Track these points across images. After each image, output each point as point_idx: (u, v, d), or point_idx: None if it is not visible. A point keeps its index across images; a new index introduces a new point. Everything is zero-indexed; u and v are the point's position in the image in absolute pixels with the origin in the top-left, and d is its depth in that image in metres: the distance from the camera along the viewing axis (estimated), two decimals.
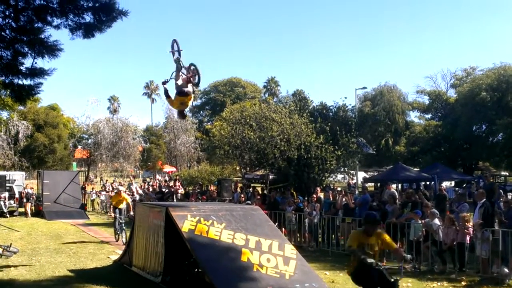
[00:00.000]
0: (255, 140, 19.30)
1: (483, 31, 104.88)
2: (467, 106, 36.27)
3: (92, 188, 31.34)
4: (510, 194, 15.39)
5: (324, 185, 19.80)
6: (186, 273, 9.37)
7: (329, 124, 20.04)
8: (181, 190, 22.87)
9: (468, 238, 10.26)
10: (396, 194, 15.94)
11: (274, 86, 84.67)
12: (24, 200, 24.15)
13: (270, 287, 7.48)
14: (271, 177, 23.16)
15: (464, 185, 28.82)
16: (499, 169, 41.10)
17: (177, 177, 31.66)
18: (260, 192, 19.75)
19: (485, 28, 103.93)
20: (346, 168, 22.13)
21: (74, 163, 53.02)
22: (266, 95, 79.79)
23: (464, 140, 37.90)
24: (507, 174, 38.90)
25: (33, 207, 23.93)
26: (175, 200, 20.63)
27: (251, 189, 20.17)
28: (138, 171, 50.24)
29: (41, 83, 9.48)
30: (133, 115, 70.47)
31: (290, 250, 8.54)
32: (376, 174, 39.02)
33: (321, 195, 15.93)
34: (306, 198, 16.22)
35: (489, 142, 37.65)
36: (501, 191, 16.87)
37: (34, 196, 24.87)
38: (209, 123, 65.91)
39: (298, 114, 20.01)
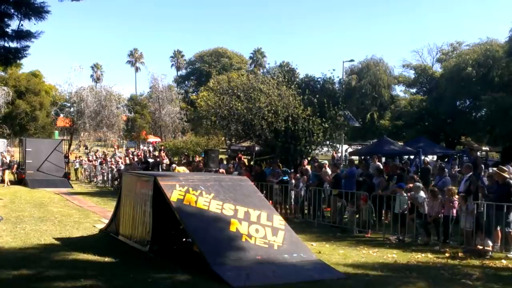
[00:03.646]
0: (242, 111, 19.13)
1: (471, 6, 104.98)
2: (452, 81, 36.33)
3: (76, 157, 31.02)
4: (491, 168, 15.68)
5: (310, 158, 19.82)
6: (173, 242, 9.37)
7: (317, 96, 19.88)
8: (166, 160, 22.73)
9: (454, 211, 10.42)
10: (381, 166, 16.09)
11: (260, 57, 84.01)
12: (3, 168, 23.68)
13: (259, 257, 7.53)
14: (257, 148, 23.10)
15: (446, 159, 29.18)
16: (481, 144, 41.66)
17: (162, 147, 31.38)
18: (246, 163, 19.70)
19: (472, 3, 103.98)
20: (332, 141, 22.09)
21: (56, 132, 52.20)
22: (252, 66, 79.20)
23: (448, 115, 38.13)
24: (488, 149, 39.47)
25: (14, 175, 23.64)
26: (160, 170, 20.52)
27: (237, 160, 20.12)
28: (121, 141, 49.76)
29: (28, 46, 9.26)
30: (117, 83, 69.37)
31: (278, 221, 8.57)
32: (359, 147, 39.23)
33: (308, 167, 15.96)
34: (292, 170, 16.25)
35: (473, 118, 37.98)
36: (483, 165, 17.10)
37: (15, 164, 24.54)
38: (194, 94, 65.30)
39: (286, 85, 19.81)
